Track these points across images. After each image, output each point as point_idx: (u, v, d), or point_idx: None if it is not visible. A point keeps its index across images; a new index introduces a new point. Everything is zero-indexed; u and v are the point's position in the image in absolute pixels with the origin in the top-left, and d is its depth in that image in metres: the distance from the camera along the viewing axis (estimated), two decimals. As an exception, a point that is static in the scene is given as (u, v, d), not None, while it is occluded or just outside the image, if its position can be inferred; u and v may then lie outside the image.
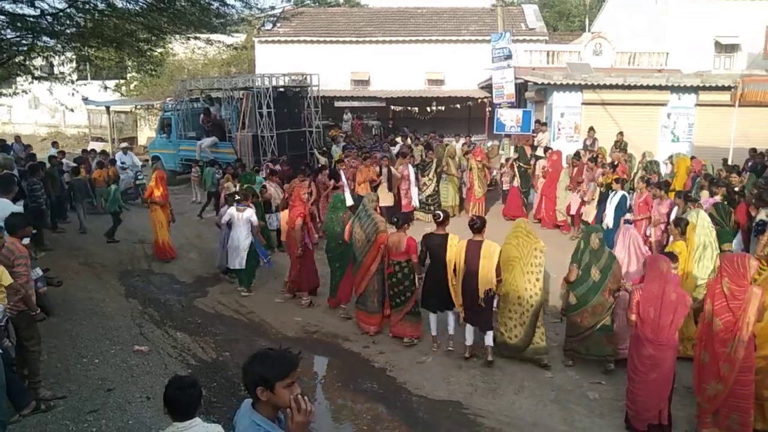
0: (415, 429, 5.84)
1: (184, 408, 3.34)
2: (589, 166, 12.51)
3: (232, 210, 9.41)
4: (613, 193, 10.79)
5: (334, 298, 8.81)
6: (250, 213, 9.41)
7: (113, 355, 7.12)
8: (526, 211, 14.12)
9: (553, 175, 13.34)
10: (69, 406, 5.96)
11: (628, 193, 10.98)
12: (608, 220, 10.62)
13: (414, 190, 13.59)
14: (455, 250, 7.12)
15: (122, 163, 16.70)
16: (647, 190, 10.42)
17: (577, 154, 13.43)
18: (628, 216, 9.87)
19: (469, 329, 7.24)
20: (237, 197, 9.63)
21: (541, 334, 7.06)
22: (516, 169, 14.29)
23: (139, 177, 16.83)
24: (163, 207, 11.11)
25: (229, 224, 9.44)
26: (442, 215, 7.52)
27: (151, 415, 5.80)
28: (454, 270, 7.11)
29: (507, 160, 15.13)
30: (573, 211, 12.59)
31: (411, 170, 13.68)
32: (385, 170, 13.35)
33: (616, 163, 12.72)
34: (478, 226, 7.07)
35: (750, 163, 13.04)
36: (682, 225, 7.46)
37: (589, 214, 11.83)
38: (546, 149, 14.48)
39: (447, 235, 7.33)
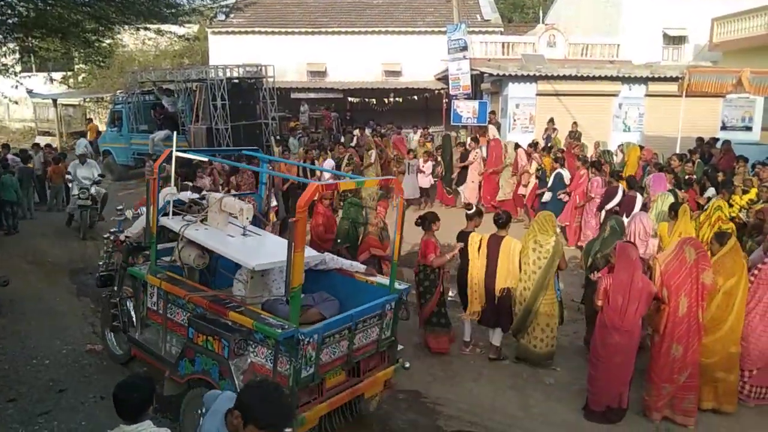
0: (375, 420, 5.85)
1: (132, 409, 3.20)
2: (528, 151, 13.24)
3: None
4: (552, 172, 11.89)
5: None
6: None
7: (65, 356, 6.92)
8: (454, 198, 14.54)
9: (494, 161, 13.70)
10: (19, 409, 5.78)
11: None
12: (546, 195, 11.89)
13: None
14: (476, 245, 6.90)
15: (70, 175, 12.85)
16: (584, 168, 11.46)
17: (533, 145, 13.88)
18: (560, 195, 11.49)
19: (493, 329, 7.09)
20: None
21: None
22: (441, 158, 14.64)
23: (86, 194, 11.95)
24: None
25: None
26: (473, 210, 7.30)
27: (105, 416, 5.64)
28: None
29: (438, 149, 15.31)
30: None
31: (330, 164, 13.43)
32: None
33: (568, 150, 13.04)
34: (503, 221, 6.90)
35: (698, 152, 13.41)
36: (676, 209, 7.72)
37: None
38: (473, 139, 14.88)
39: (472, 232, 7.08)
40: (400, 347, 5.72)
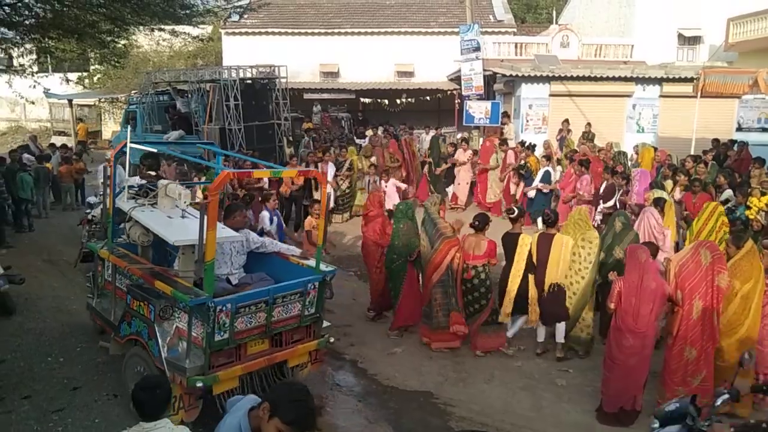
0: (387, 419, 5.86)
1: (151, 408, 3.32)
2: (518, 149, 13.54)
3: (265, 214, 8.80)
4: (541, 169, 12.22)
5: (397, 319, 7.79)
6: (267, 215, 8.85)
7: (79, 353, 6.98)
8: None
9: (487, 162, 13.99)
10: (34, 406, 5.83)
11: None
12: (531, 192, 12.27)
13: (330, 190, 12.63)
14: (527, 247, 6.92)
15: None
16: (570, 167, 11.79)
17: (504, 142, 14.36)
18: (540, 185, 12.04)
19: (540, 326, 7.13)
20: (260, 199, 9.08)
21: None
22: (431, 159, 14.85)
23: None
24: None
25: None
26: (516, 211, 7.27)
27: (118, 413, 5.70)
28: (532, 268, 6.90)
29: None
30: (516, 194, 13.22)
31: (331, 169, 13.16)
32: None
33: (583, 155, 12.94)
34: (552, 220, 6.96)
35: (714, 153, 13.29)
36: (661, 204, 7.70)
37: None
38: (462, 139, 15.10)
39: (519, 234, 7.08)
40: (326, 324, 6.14)
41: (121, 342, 5.95)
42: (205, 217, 4.84)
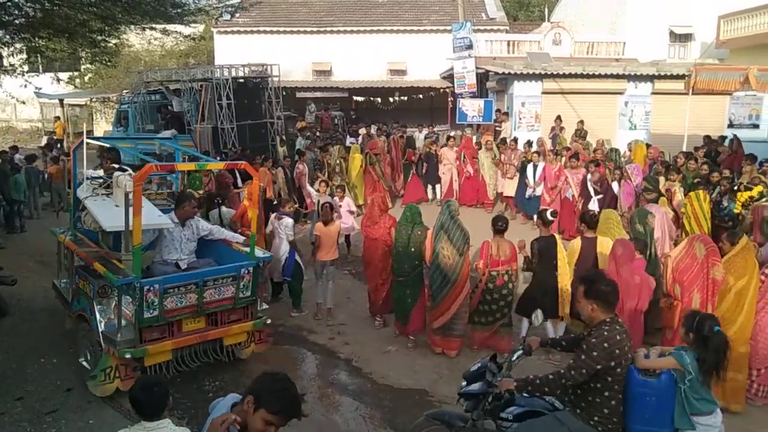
0: (382, 418, 5.86)
1: (151, 408, 3.32)
2: (511, 146, 13.83)
3: (273, 217, 8.45)
4: (534, 165, 12.37)
5: (405, 326, 7.44)
6: (288, 221, 8.37)
7: (72, 355, 6.92)
8: (427, 194, 14.74)
9: (470, 157, 14.06)
10: (27, 407, 5.82)
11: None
12: (529, 189, 12.37)
13: (311, 189, 12.45)
14: (568, 251, 6.82)
15: None
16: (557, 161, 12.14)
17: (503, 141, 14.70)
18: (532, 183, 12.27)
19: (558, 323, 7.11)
20: (275, 202, 8.75)
21: None
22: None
23: None
24: None
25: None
26: (550, 216, 7.15)
27: (112, 414, 5.68)
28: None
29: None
30: (505, 192, 13.53)
31: (305, 168, 13.29)
32: (285, 171, 12.87)
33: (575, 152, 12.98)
34: (595, 222, 6.84)
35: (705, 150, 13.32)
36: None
37: (507, 188, 13.35)
38: (448, 137, 15.12)
39: (554, 236, 7.00)
40: (264, 306, 6.68)
41: (73, 318, 6.75)
42: (131, 205, 5.46)
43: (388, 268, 7.65)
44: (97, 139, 8.19)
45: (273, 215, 8.55)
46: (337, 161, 14.09)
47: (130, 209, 5.63)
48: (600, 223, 6.95)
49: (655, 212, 7.64)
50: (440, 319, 6.89)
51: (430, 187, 14.79)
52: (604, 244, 6.63)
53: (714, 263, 5.45)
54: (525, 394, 4.04)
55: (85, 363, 6.33)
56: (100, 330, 5.85)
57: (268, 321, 6.64)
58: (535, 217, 12.03)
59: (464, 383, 4.38)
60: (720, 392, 5.75)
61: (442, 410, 4.83)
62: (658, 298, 6.08)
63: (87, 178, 7.17)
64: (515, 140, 14.43)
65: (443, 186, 14.38)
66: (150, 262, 6.40)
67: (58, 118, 26.06)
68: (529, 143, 13.90)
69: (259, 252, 6.53)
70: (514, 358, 4.28)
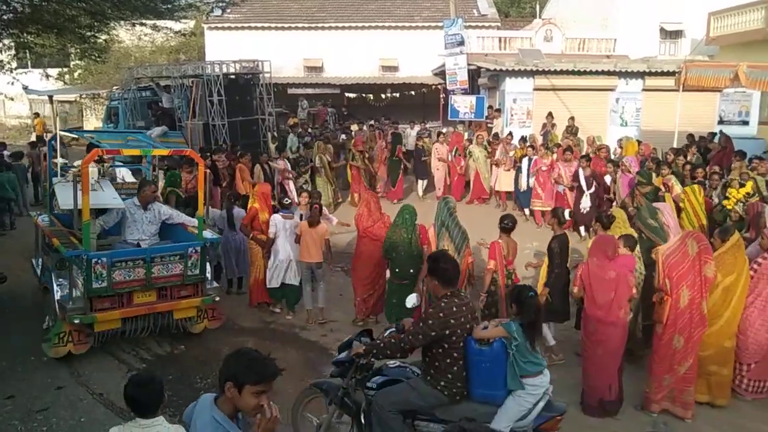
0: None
1: (147, 405, 3.33)
2: (507, 140, 13.99)
3: (277, 217, 8.05)
4: (529, 158, 12.65)
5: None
6: (297, 221, 8.10)
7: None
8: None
9: (457, 156, 14.33)
10: (18, 406, 5.79)
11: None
12: (523, 183, 12.73)
13: (291, 186, 12.62)
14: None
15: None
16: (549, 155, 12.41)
17: (495, 135, 14.93)
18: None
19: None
20: (283, 202, 8.40)
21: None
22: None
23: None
24: None
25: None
26: (566, 215, 7.08)
27: (103, 412, 5.67)
28: None
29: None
30: (498, 186, 13.84)
31: (287, 165, 13.13)
32: (264, 167, 12.54)
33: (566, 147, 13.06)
34: (609, 221, 6.74)
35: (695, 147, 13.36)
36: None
37: (502, 182, 13.62)
38: (439, 133, 15.39)
39: (566, 234, 6.87)
40: (214, 285, 7.19)
41: (41, 289, 7.53)
42: (79, 186, 6.30)
43: (383, 274, 7.54)
44: (71, 131, 9.49)
45: (277, 215, 8.15)
46: (317, 157, 13.90)
47: (94, 192, 6.51)
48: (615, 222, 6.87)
49: (662, 208, 7.68)
50: None
51: (419, 181, 14.87)
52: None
53: (706, 261, 5.46)
54: (389, 364, 4.70)
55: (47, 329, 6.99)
56: (56, 299, 6.53)
57: (217, 299, 7.11)
58: (527, 210, 12.75)
59: (337, 353, 4.87)
60: (705, 386, 5.84)
61: (324, 380, 5.14)
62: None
63: (59, 166, 8.06)
64: (510, 134, 14.57)
65: (437, 182, 14.47)
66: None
67: (37, 114, 25.81)
68: (523, 139, 14.06)
69: (207, 234, 7.13)
70: (386, 334, 4.76)
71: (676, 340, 5.53)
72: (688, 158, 11.70)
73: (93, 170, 6.97)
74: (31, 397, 5.94)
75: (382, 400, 4.41)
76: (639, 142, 13.23)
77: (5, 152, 14.38)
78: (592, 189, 11.03)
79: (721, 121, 16.92)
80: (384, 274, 7.68)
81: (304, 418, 5.05)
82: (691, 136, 13.83)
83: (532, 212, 12.73)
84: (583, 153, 13.46)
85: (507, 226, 6.85)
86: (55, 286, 6.59)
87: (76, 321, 6.29)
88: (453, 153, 14.28)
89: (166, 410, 5.41)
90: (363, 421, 4.55)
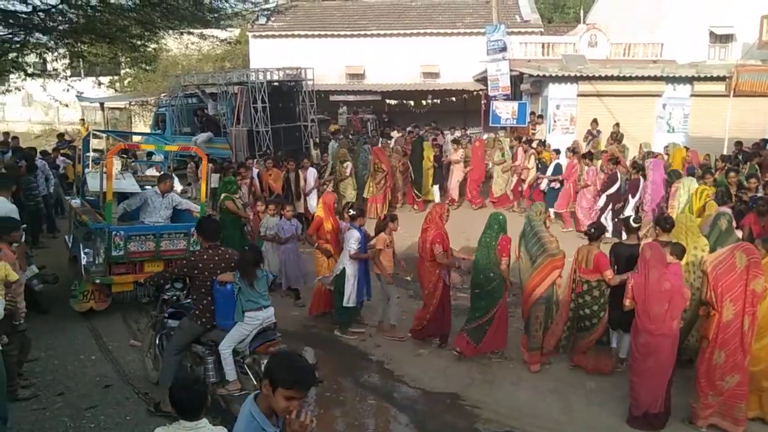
0: (413, 421, 5.85)
1: (192, 407, 3.38)
2: (524, 148, 14.04)
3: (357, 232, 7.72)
4: (551, 162, 13.00)
5: (478, 345, 6.86)
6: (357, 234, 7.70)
7: (110, 352, 7.11)
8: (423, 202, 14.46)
9: (476, 161, 14.38)
10: (67, 403, 5.96)
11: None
12: (543, 184, 13.05)
13: (313, 195, 12.35)
14: None
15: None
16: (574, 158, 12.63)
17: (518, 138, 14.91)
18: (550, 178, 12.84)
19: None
20: (352, 212, 8.02)
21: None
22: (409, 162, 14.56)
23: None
24: None
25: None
26: (636, 222, 6.80)
27: (148, 411, 5.79)
28: None
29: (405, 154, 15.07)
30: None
31: (311, 174, 12.67)
32: (292, 175, 12.46)
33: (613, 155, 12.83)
34: (670, 225, 6.62)
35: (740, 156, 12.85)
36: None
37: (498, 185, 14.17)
38: (455, 140, 15.40)
39: (638, 244, 6.48)
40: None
41: (70, 258, 8.87)
42: (105, 174, 7.96)
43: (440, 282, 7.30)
44: (103, 132, 12.67)
45: (356, 230, 7.80)
46: (335, 163, 13.68)
47: (116, 180, 8.36)
48: (681, 228, 6.65)
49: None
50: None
51: (434, 187, 14.72)
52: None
53: (755, 275, 5.22)
54: (183, 302, 6.08)
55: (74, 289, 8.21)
56: (82, 264, 7.81)
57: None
58: (551, 211, 12.40)
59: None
60: (757, 402, 5.64)
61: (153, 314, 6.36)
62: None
63: (91, 159, 10.07)
64: (528, 142, 14.57)
65: (452, 188, 14.46)
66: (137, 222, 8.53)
67: (83, 120, 26.65)
68: (573, 150, 13.41)
69: None
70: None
71: (717, 355, 5.35)
72: (741, 168, 11.23)
73: (117, 163, 8.77)
74: (79, 395, 6.11)
75: (168, 345, 5.79)
76: (686, 149, 12.88)
77: (60, 157, 14.86)
78: (612, 189, 11.43)
79: (774, 128, 16.34)
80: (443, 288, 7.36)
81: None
82: (739, 143, 13.39)
83: (558, 215, 12.72)
84: (629, 160, 13.25)
85: (591, 233, 6.70)
86: (82, 254, 7.83)
87: (97, 281, 7.69)
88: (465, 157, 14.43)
89: (209, 413, 5.51)
90: (157, 342, 6.11)
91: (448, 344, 7.32)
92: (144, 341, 6.53)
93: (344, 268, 7.55)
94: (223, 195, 9.71)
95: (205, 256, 5.64)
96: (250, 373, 5.55)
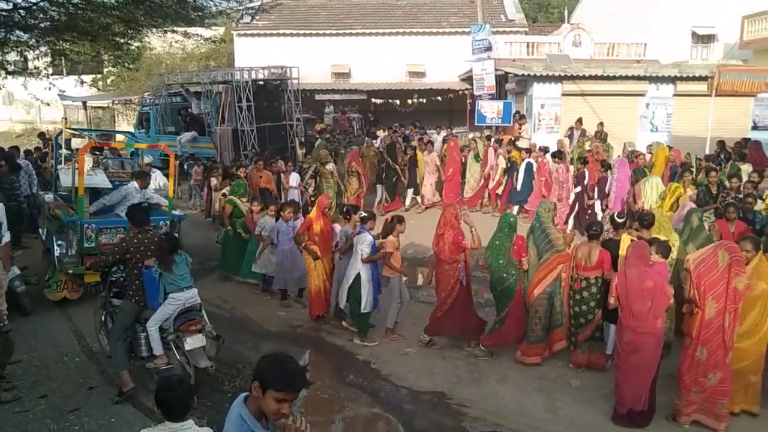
0: (400, 420, 5.85)
1: (177, 408, 3.35)
2: (494, 147, 14.07)
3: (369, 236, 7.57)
4: (522, 162, 13.03)
5: (497, 338, 7.04)
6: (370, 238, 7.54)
7: (94, 354, 7.03)
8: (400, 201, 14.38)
9: (452, 162, 14.25)
10: (50, 405, 5.90)
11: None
12: (519, 183, 13.01)
13: (296, 195, 12.26)
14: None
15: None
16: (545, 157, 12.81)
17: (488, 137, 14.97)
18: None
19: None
20: (363, 215, 7.85)
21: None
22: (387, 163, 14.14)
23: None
24: None
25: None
26: (622, 218, 6.92)
27: (133, 412, 5.74)
28: None
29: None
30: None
31: (294, 177, 12.69)
32: (275, 177, 12.47)
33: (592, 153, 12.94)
34: (650, 222, 6.71)
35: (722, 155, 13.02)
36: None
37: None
38: (428, 142, 15.16)
39: (620, 240, 6.68)
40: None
41: (44, 251, 9.26)
42: (77, 170, 8.14)
43: (457, 284, 7.22)
44: (77, 130, 12.54)
45: (343, 226, 7.96)
46: (317, 164, 13.31)
47: (89, 176, 8.67)
48: (657, 225, 6.81)
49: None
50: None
51: (408, 191, 14.34)
52: (625, 245, 6.51)
53: (737, 273, 5.27)
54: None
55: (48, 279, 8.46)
56: (55, 255, 8.22)
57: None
58: (516, 207, 12.92)
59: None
60: (742, 396, 5.70)
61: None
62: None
63: (63, 155, 10.46)
64: (498, 141, 14.86)
65: (426, 189, 14.24)
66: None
67: (65, 119, 26.33)
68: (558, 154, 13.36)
69: (175, 211, 9.13)
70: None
71: (699, 352, 5.40)
72: (723, 167, 11.37)
73: (89, 159, 9.19)
74: (63, 397, 6.05)
75: (112, 328, 6.25)
76: (670, 148, 13.01)
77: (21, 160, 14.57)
78: (579, 188, 11.77)
79: (755, 127, 16.58)
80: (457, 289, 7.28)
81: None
82: (721, 142, 13.55)
83: (520, 209, 12.80)
84: (614, 158, 13.35)
85: (593, 232, 6.71)
86: (55, 246, 8.25)
87: (70, 271, 7.99)
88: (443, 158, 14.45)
89: (194, 413, 5.47)
90: (103, 319, 6.64)
91: (470, 343, 7.31)
92: (95, 320, 6.96)
93: (359, 274, 7.40)
94: (227, 199, 9.93)
95: (135, 240, 6.06)
96: (174, 348, 6.01)
